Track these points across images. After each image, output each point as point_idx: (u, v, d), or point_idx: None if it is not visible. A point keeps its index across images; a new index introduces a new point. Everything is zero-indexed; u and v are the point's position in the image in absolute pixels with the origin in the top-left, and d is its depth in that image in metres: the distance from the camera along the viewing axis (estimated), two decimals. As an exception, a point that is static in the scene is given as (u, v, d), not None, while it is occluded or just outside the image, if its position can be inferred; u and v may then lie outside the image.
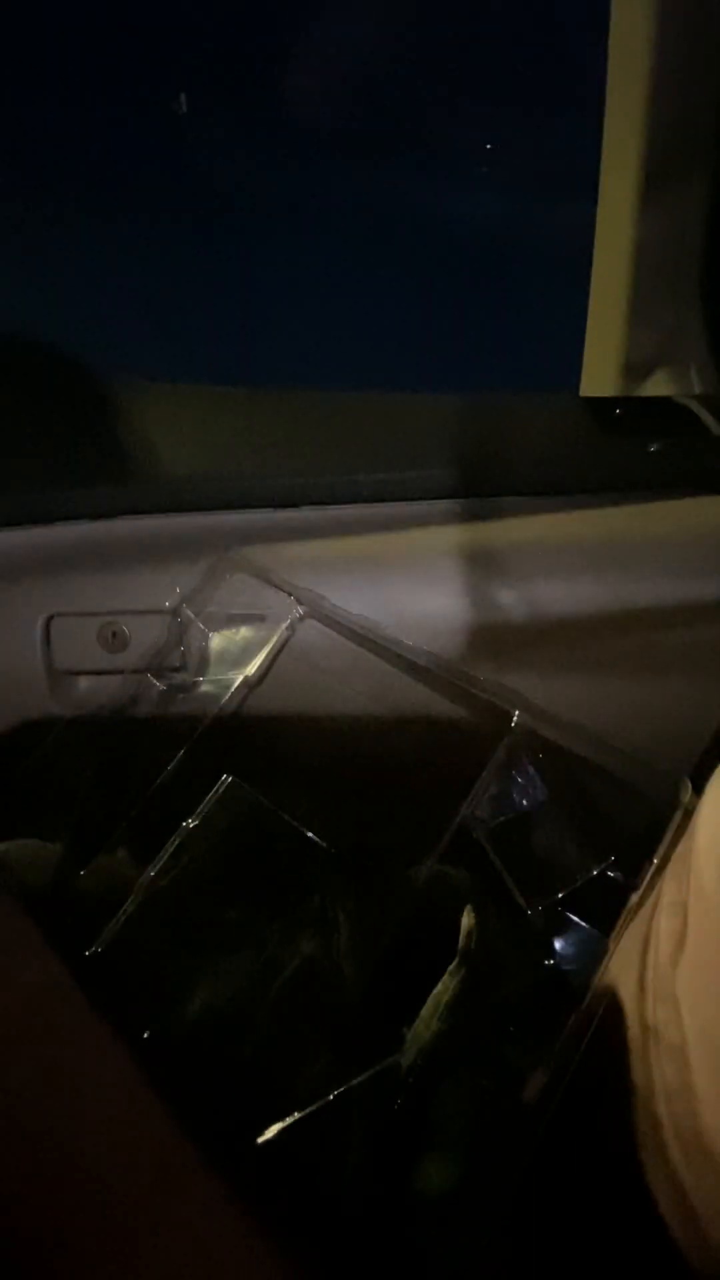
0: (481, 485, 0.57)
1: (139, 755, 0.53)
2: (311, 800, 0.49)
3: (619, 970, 0.38)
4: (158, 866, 0.44)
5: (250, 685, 0.54)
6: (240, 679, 0.53)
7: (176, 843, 0.45)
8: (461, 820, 0.47)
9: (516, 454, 0.60)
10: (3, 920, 0.32)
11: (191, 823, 0.46)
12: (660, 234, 0.43)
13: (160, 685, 0.55)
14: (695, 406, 0.49)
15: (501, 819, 0.48)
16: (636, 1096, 0.33)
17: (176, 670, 0.55)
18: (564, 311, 0.49)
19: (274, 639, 0.53)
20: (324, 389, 0.62)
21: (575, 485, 0.57)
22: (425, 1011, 0.40)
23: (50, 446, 0.62)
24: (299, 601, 0.53)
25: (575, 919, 0.45)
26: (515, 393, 0.61)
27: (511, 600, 0.53)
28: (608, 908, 0.41)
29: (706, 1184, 0.30)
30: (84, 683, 0.57)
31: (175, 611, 0.55)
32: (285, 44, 0.55)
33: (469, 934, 0.41)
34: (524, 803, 0.48)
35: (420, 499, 0.57)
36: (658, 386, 0.46)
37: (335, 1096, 0.37)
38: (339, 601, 0.53)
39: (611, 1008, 0.36)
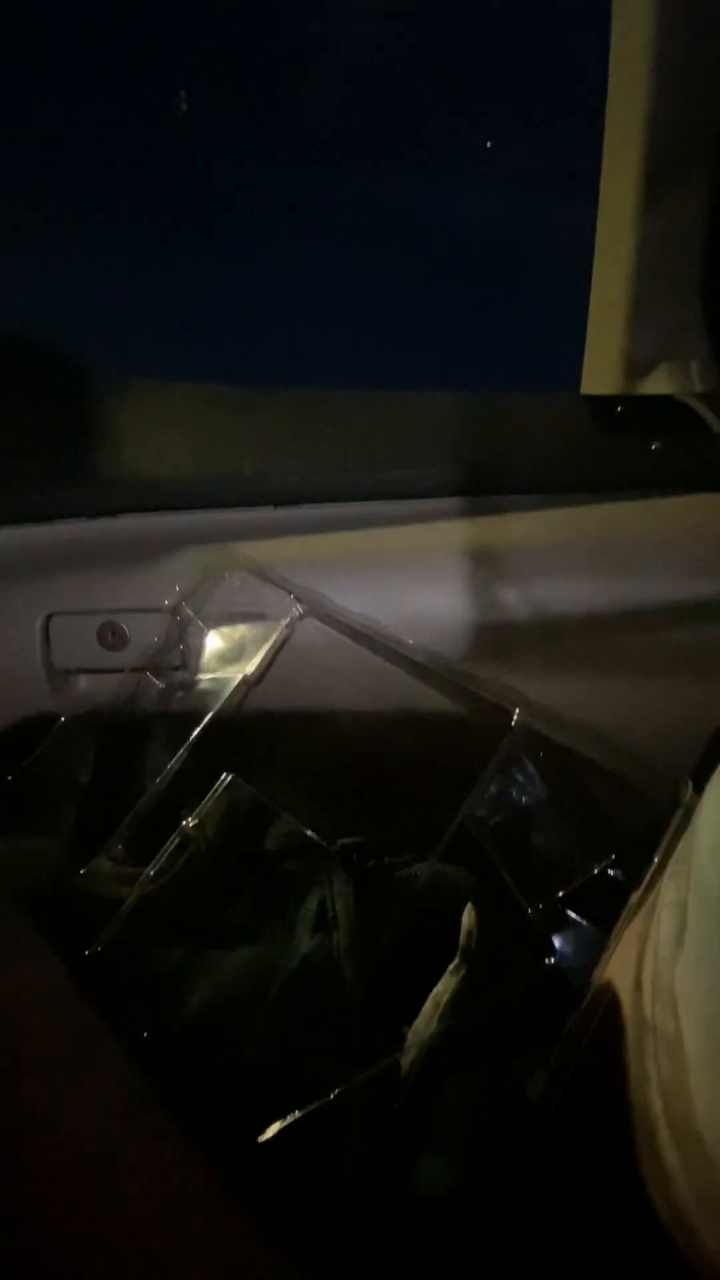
0: (482, 484, 0.57)
1: (139, 754, 0.53)
2: (311, 799, 0.49)
3: (618, 968, 0.38)
4: (157, 866, 0.44)
5: (250, 684, 0.54)
6: (240, 677, 0.53)
7: (176, 842, 0.45)
8: (461, 819, 0.47)
9: (517, 453, 0.60)
10: None
11: (191, 822, 0.46)
12: (661, 233, 0.43)
13: (160, 684, 0.55)
14: (696, 405, 0.49)
15: (501, 818, 0.48)
16: (633, 1093, 0.33)
17: (176, 669, 0.55)
18: (564, 311, 0.49)
19: (274, 637, 0.53)
20: (324, 388, 0.62)
21: (576, 484, 0.57)
22: (425, 1011, 0.40)
23: (50, 446, 0.62)
24: (299, 600, 0.53)
25: (576, 917, 0.45)
26: (515, 392, 0.61)
27: (512, 599, 0.53)
28: (608, 906, 0.41)
29: (698, 1179, 0.30)
30: (84, 681, 0.56)
31: (175, 610, 0.55)
32: (285, 44, 0.55)
33: (469, 933, 0.41)
34: (524, 801, 0.48)
35: (420, 497, 0.57)
36: (659, 385, 0.46)
37: (335, 1096, 0.37)
38: (339, 600, 0.53)
39: (610, 1006, 0.36)
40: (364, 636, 0.53)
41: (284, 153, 0.58)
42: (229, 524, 0.57)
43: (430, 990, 0.40)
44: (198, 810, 0.46)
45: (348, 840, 0.47)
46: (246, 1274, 0.28)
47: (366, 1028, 0.40)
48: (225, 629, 0.54)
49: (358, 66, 0.54)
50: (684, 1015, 0.31)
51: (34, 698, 0.56)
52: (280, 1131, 0.36)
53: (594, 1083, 0.35)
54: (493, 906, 0.43)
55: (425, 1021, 0.39)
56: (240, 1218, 0.28)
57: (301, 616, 0.53)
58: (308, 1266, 0.29)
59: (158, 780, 0.49)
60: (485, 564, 0.53)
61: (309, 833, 0.46)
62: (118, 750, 0.53)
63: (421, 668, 0.53)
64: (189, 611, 0.54)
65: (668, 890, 0.36)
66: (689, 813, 0.40)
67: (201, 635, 0.55)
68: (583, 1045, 0.36)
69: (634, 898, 0.40)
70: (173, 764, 0.49)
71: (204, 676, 0.54)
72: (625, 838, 0.47)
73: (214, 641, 0.55)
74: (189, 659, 0.55)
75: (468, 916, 0.42)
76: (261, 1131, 0.36)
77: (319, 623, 0.53)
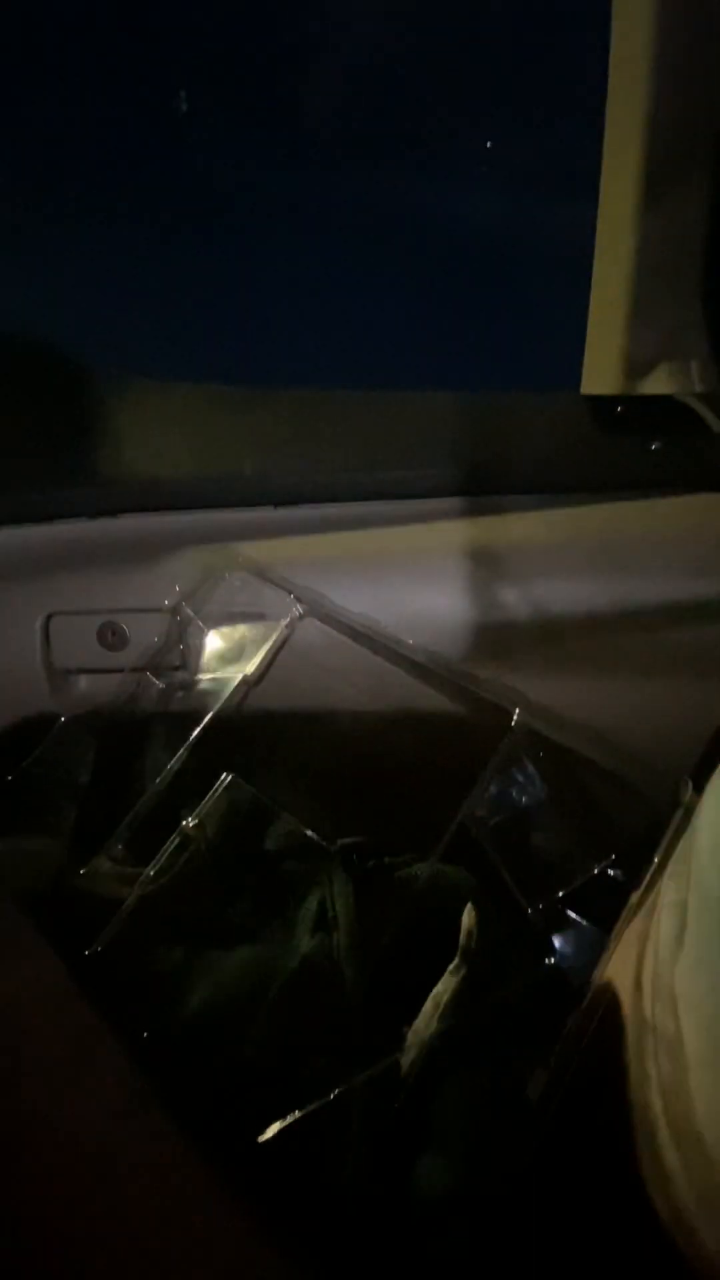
0: (482, 484, 0.57)
1: (139, 754, 0.53)
2: (311, 799, 0.49)
3: (618, 968, 0.38)
4: (157, 865, 0.44)
5: (250, 683, 0.54)
6: (240, 677, 0.53)
7: (176, 841, 0.45)
8: (461, 819, 0.47)
9: (517, 453, 0.60)
10: None
11: (191, 822, 0.46)
12: (661, 233, 0.43)
13: (160, 684, 0.55)
14: (696, 404, 0.49)
15: (501, 818, 0.48)
16: (633, 1093, 0.33)
17: (176, 669, 0.55)
18: (564, 311, 0.49)
19: (274, 637, 0.53)
20: (324, 388, 0.62)
21: (576, 484, 0.57)
22: (425, 1011, 0.40)
23: (50, 446, 0.62)
24: (299, 600, 0.53)
25: (576, 917, 0.45)
26: (515, 392, 0.61)
27: (512, 599, 0.53)
28: (608, 906, 0.41)
29: (698, 1179, 0.30)
30: (84, 681, 0.56)
31: (175, 610, 0.55)
32: (285, 44, 0.55)
33: (469, 933, 0.41)
34: (524, 801, 0.48)
35: (420, 497, 0.57)
36: (659, 384, 0.46)
37: (335, 1096, 0.37)
38: (338, 600, 0.53)
39: (610, 1006, 0.36)
40: (364, 636, 0.53)
41: (284, 153, 0.58)
42: (229, 524, 0.57)
43: (430, 990, 0.40)
44: (198, 810, 0.46)
45: (348, 840, 0.47)
46: (246, 1274, 0.28)
47: (366, 1028, 0.40)
48: (225, 629, 0.54)
49: (358, 67, 0.54)
50: (684, 1015, 0.31)
51: (34, 698, 0.56)
52: (280, 1131, 0.36)
53: (594, 1083, 0.35)
54: (493, 906, 0.43)
55: (425, 1021, 0.39)
56: (240, 1218, 0.28)
57: (301, 616, 0.53)
58: (308, 1266, 0.29)
59: (158, 780, 0.49)
60: (485, 564, 0.53)
61: (309, 833, 0.46)
62: (118, 750, 0.53)
63: (421, 668, 0.53)
64: (189, 611, 0.54)
65: (668, 890, 0.36)
66: (689, 813, 0.40)
67: (201, 635, 0.55)
68: (583, 1045, 0.36)
69: (634, 898, 0.40)
70: (173, 764, 0.49)
71: (204, 676, 0.54)
72: (625, 838, 0.46)
73: (214, 641, 0.55)
74: (189, 659, 0.55)
75: (468, 916, 0.42)
76: (261, 1131, 0.36)
77: (319, 623, 0.53)
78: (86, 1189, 0.27)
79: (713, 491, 0.55)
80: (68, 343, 0.62)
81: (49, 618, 0.55)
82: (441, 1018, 0.39)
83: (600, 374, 0.46)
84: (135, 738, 0.54)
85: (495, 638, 0.53)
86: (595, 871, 0.46)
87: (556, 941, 0.45)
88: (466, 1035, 0.39)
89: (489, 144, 0.55)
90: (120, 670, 0.55)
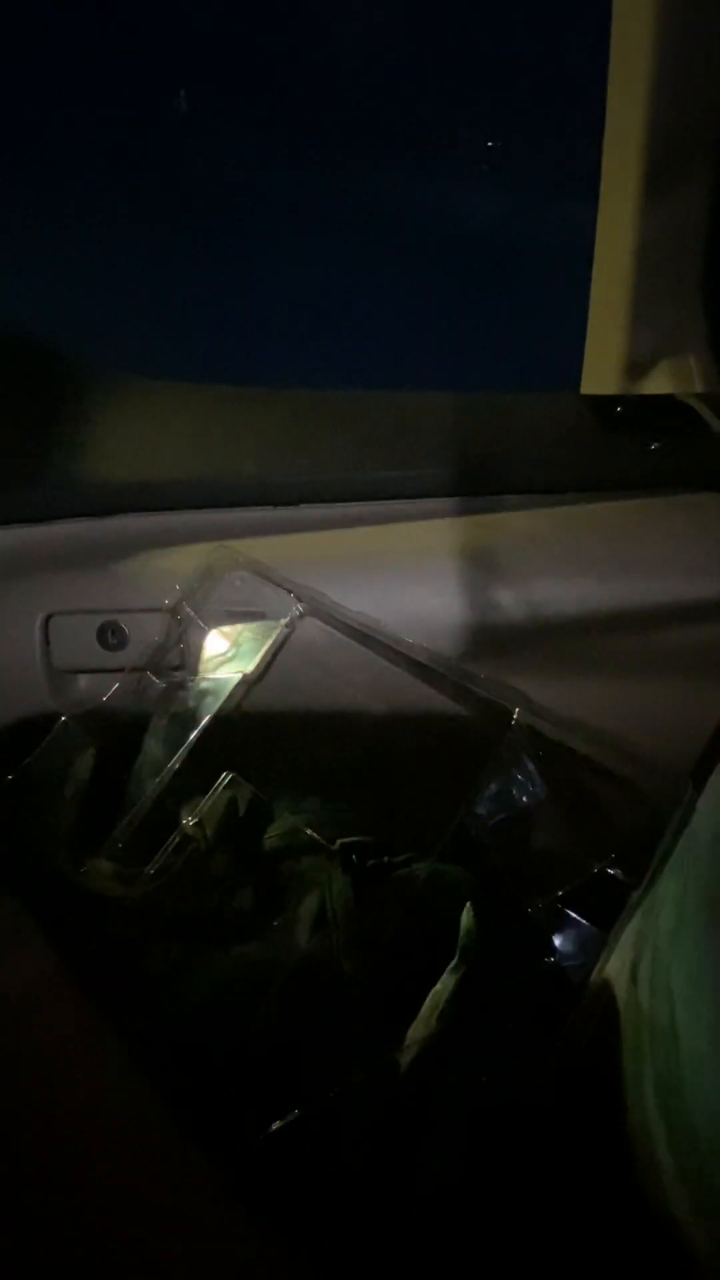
0: (482, 484, 0.57)
1: (139, 754, 0.53)
2: (311, 798, 0.49)
3: (617, 966, 0.38)
4: (158, 864, 0.44)
5: (250, 683, 0.54)
6: (240, 676, 0.53)
7: (176, 840, 0.45)
8: (461, 819, 0.47)
9: (516, 453, 0.60)
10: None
11: (191, 822, 0.46)
12: (661, 232, 0.43)
13: (160, 683, 0.55)
14: (696, 404, 0.49)
15: (501, 817, 0.48)
16: (630, 1091, 0.33)
17: (176, 668, 0.55)
18: (563, 311, 0.49)
19: (274, 636, 0.53)
20: (323, 388, 0.62)
21: (576, 484, 0.57)
22: (425, 1010, 0.40)
23: (50, 446, 0.62)
24: (298, 599, 0.53)
25: (575, 916, 0.45)
26: (515, 392, 0.61)
27: (511, 599, 0.53)
28: (608, 905, 0.41)
29: (693, 1177, 0.30)
30: (83, 681, 0.56)
31: (174, 609, 0.55)
32: (285, 44, 0.55)
33: (469, 932, 0.41)
34: (524, 800, 0.48)
35: (420, 497, 0.57)
36: (659, 384, 0.46)
37: (335, 1095, 0.37)
38: (338, 599, 0.53)
39: (609, 1005, 0.36)
40: (364, 636, 0.53)
41: (284, 153, 0.58)
42: (229, 524, 0.57)
43: (430, 990, 0.40)
44: (198, 810, 0.46)
45: (347, 840, 0.47)
46: (246, 1274, 0.28)
47: (366, 1027, 0.40)
48: (225, 629, 0.54)
49: (358, 66, 0.54)
50: (680, 1012, 0.31)
51: (34, 697, 0.56)
52: (280, 1129, 0.36)
53: (593, 1082, 0.35)
54: (492, 906, 0.43)
55: (424, 1020, 0.39)
56: (240, 1215, 0.28)
57: (301, 616, 0.53)
58: (308, 1266, 0.29)
59: (158, 780, 0.49)
60: (485, 564, 0.53)
61: (309, 832, 0.46)
62: (118, 750, 0.53)
63: (421, 667, 0.53)
64: (189, 611, 0.54)
65: (667, 888, 0.36)
66: (689, 811, 0.40)
67: (201, 635, 0.55)
68: (582, 1044, 0.36)
69: (634, 896, 0.40)
70: (173, 764, 0.49)
71: (204, 676, 0.54)
72: (625, 837, 0.47)
73: (214, 641, 0.55)
74: (189, 658, 0.55)
75: (467, 916, 0.42)
76: (261, 1130, 0.36)
77: (319, 622, 0.53)
78: (84, 1184, 0.27)
79: (713, 491, 0.55)
80: (67, 343, 0.62)
81: (49, 618, 0.55)
82: (441, 1017, 0.39)
83: (600, 374, 0.45)
84: (135, 737, 0.54)
85: (495, 637, 0.53)
86: (595, 870, 0.46)
87: (556, 940, 0.45)
88: (466, 1034, 0.39)
89: (489, 143, 0.55)
90: (120, 670, 0.55)
